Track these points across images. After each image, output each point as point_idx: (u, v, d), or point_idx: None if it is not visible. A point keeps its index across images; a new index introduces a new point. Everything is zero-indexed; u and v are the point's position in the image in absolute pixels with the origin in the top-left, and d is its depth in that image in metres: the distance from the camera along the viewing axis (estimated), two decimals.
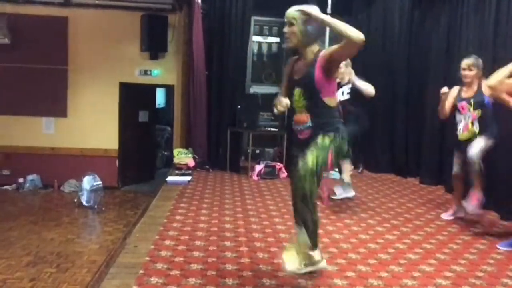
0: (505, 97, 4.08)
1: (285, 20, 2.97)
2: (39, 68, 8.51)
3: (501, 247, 4.04)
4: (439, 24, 6.84)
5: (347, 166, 5.48)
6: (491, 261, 3.72)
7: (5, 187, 8.54)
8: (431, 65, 6.88)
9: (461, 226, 4.72)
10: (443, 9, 6.79)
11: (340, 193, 5.52)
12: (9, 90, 8.49)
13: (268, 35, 8.56)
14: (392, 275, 3.34)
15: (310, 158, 2.81)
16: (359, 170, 7.54)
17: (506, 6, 5.23)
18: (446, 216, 5.02)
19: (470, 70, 4.53)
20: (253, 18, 7.75)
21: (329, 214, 4.99)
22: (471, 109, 4.50)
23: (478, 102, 4.47)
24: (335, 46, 2.83)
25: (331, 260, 3.58)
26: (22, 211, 7.34)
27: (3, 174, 8.62)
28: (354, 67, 7.72)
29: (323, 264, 3.16)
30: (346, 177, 5.47)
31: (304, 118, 2.99)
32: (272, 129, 7.42)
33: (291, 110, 3.11)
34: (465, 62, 4.56)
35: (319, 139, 2.90)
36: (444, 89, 4.75)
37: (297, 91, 3.00)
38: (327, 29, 3.34)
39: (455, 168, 4.82)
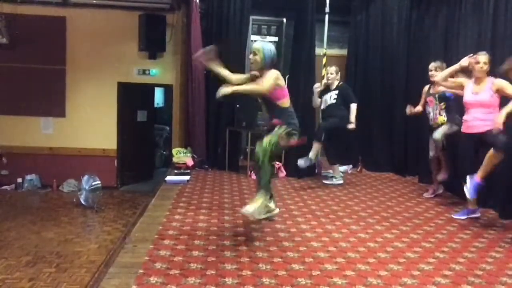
0: (453, 90, 5.17)
1: (251, 50, 4.19)
2: (37, 68, 8.51)
3: (456, 216, 4.95)
4: (437, 24, 6.85)
5: (315, 146, 6.18)
6: (490, 260, 3.72)
7: (3, 187, 8.54)
8: (430, 65, 6.88)
9: (460, 224, 4.73)
10: (441, 10, 6.80)
11: (300, 163, 6.13)
12: (7, 90, 8.48)
13: (266, 35, 8.54)
14: (391, 274, 3.34)
15: (265, 139, 3.94)
16: (358, 169, 7.55)
17: (504, 6, 5.24)
18: (428, 194, 5.94)
19: (436, 71, 5.46)
20: (251, 17, 7.74)
21: (328, 213, 5.00)
22: (437, 102, 5.50)
23: (441, 96, 5.46)
24: (256, 84, 4.15)
25: (330, 259, 3.59)
26: (21, 211, 7.33)
27: (1, 174, 8.62)
28: (354, 67, 7.78)
29: (276, 212, 4.36)
30: (312, 155, 6.14)
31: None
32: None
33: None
34: (432, 65, 5.59)
35: (276, 128, 4.07)
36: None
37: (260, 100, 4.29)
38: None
39: (431, 153, 5.74)
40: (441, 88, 5.35)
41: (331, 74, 6.41)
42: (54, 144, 8.64)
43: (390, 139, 7.61)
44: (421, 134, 7.06)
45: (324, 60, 7.21)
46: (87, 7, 8.49)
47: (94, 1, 8.39)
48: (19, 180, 8.58)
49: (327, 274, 3.27)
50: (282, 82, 4.16)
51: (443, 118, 5.47)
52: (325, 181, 6.55)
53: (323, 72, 7.21)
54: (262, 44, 4.19)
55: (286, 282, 3.10)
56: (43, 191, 8.56)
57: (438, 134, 5.28)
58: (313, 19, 7.17)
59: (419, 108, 5.87)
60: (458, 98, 5.07)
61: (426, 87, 5.79)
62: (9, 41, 8.25)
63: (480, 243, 4.16)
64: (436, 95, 5.52)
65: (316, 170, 6.99)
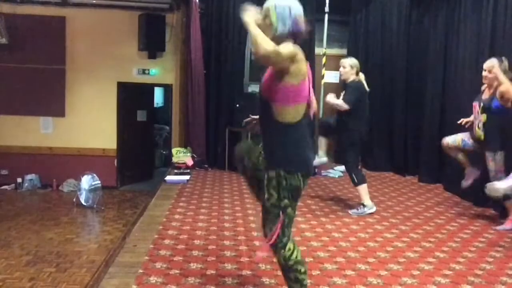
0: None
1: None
2: (37, 68, 8.50)
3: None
4: (437, 23, 6.85)
5: (322, 141, 5.33)
6: (490, 260, 3.72)
7: (3, 187, 8.53)
8: (429, 64, 6.90)
9: (460, 224, 4.73)
10: (441, 9, 6.80)
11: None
12: (7, 90, 8.47)
13: None
14: (391, 273, 3.34)
15: (268, 233, 2.50)
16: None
17: (504, 6, 5.23)
18: (466, 183, 4.92)
19: (490, 72, 4.36)
20: None
21: (328, 212, 5.00)
22: (479, 111, 4.50)
23: (485, 106, 4.41)
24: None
25: (330, 258, 3.59)
26: (21, 211, 7.33)
27: (1, 174, 8.62)
28: None
29: None
30: (321, 152, 5.28)
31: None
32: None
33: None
34: (487, 64, 4.42)
35: (265, 180, 2.46)
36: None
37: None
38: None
39: (450, 141, 4.83)
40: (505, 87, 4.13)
41: (343, 68, 5.14)
42: (54, 144, 8.63)
43: (390, 139, 7.60)
44: (421, 134, 7.08)
45: (324, 59, 7.21)
46: (87, 7, 8.48)
47: (94, 1, 8.38)
48: (19, 180, 8.58)
49: (327, 274, 3.28)
50: (298, 70, 2.41)
51: (480, 132, 4.48)
52: (351, 212, 5.09)
53: (323, 72, 7.22)
54: (275, 1, 2.50)
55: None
56: (43, 191, 8.55)
57: (494, 179, 4.20)
58: (313, 19, 7.17)
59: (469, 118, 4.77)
60: (508, 112, 4.28)
61: (483, 87, 4.68)
62: (8, 41, 8.24)
63: (480, 242, 4.16)
64: (482, 103, 4.48)
65: (316, 170, 6.99)
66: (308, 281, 2.60)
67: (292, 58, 2.37)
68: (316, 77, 7.17)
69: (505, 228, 4.51)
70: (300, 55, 2.42)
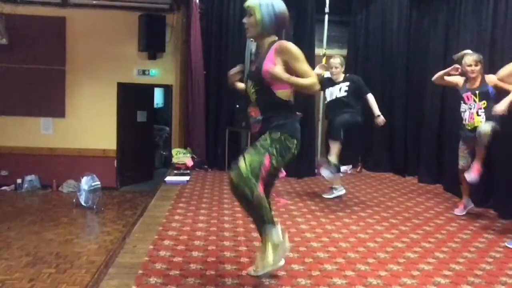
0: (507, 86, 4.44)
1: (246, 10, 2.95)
2: (37, 69, 8.50)
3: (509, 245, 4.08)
4: (437, 24, 6.86)
5: (334, 147, 5.30)
6: (490, 260, 3.72)
7: (3, 187, 8.54)
8: (429, 65, 6.89)
9: (460, 224, 4.73)
10: (441, 9, 6.81)
11: (327, 175, 5.34)
12: (7, 90, 8.48)
13: None
14: (391, 274, 3.34)
15: (242, 164, 2.72)
16: (358, 169, 7.55)
17: (504, 6, 5.24)
18: (459, 211, 5.12)
19: (477, 65, 4.76)
20: None
21: (328, 213, 5.00)
22: (476, 100, 4.74)
23: (483, 93, 4.71)
24: (300, 68, 2.81)
25: (330, 259, 3.58)
26: (21, 211, 7.33)
27: (1, 174, 8.62)
28: (354, 67, 7.78)
29: (281, 263, 2.98)
30: (333, 158, 5.27)
31: (255, 111, 3.00)
32: None
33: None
34: (472, 58, 4.79)
35: (264, 136, 2.85)
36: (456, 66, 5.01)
37: (249, 84, 3.01)
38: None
39: (462, 162, 4.97)
40: (492, 78, 4.62)
41: (336, 68, 5.56)
42: (54, 144, 8.64)
43: (390, 139, 7.61)
44: (421, 134, 7.08)
45: (324, 60, 7.21)
46: (87, 7, 8.49)
47: (94, 2, 8.39)
48: (19, 180, 8.58)
49: (326, 274, 3.27)
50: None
51: (479, 119, 4.68)
52: (325, 195, 5.70)
53: (323, 72, 7.21)
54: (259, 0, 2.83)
55: (286, 282, 3.10)
56: (42, 192, 8.56)
57: (487, 126, 4.47)
58: (313, 19, 7.18)
59: (448, 79, 5.07)
60: (499, 97, 4.55)
61: (459, 79, 5.00)
62: (8, 41, 8.25)
63: (480, 243, 4.15)
64: (477, 92, 4.75)
65: (316, 170, 6.98)
66: (308, 281, 2.61)
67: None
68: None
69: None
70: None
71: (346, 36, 8.14)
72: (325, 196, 5.68)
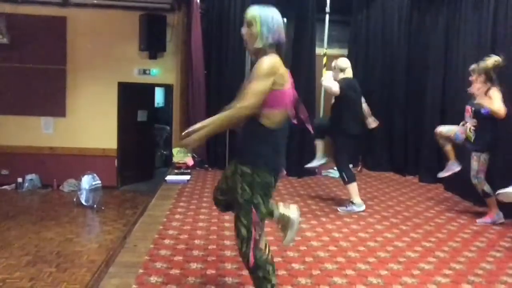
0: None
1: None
2: (37, 68, 8.50)
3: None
4: (438, 23, 6.86)
5: (318, 144, 5.35)
6: (491, 259, 3.73)
7: (4, 187, 8.53)
8: (430, 65, 6.90)
9: (461, 224, 4.74)
10: (442, 9, 6.81)
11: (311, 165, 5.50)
12: (7, 90, 8.47)
13: None
14: (391, 273, 3.34)
15: (241, 229, 2.52)
16: (358, 169, 7.55)
17: (504, 5, 5.24)
18: (441, 174, 5.25)
19: (471, 75, 4.69)
20: None
21: (328, 212, 5.00)
22: (472, 115, 4.70)
23: (476, 111, 4.62)
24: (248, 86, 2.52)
25: (331, 258, 3.59)
26: (21, 210, 7.33)
27: (2, 174, 8.62)
28: (354, 67, 7.75)
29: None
30: (319, 154, 5.35)
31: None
32: None
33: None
34: (472, 67, 4.70)
35: (238, 178, 2.53)
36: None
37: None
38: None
39: (443, 128, 5.04)
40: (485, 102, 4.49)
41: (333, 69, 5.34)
42: (55, 143, 8.64)
43: (390, 138, 7.60)
44: (421, 134, 7.08)
45: (325, 60, 7.21)
46: (88, 7, 8.48)
47: (95, 1, 8.39)
48: (20, 180, 8.57)
49: (327, 274, 3.28)
50: (281, 78, 2.52)
51: (470, 135, 4.70)
52: (339, 209, 5.19)
53: (324, 72, 7.21)
54: (260, 10, 2.61)
55: (286, 281, 3.11)
56: (43, 191, 8.55)
57: (473, 177, 4.67)
58: (314, 19, 7.18)
59: None
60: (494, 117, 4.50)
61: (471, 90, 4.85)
62: (9, 41, 8.25)
63: (480, 242, 4.16)
64: (473, 107, 4.68)
65: (316, 170, 6.99)
66: (309, 280, 2.61)
67: (269, 76, 2.45)
68: (316, 77, 7.22)
69: (485, 222, 4.76)
70: (276, 63, 2.50)
71: (347, 35, 8.15)
72: (340, 209, 5.13)
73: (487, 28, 5.53)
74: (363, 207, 5.07)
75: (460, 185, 5.15)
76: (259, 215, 2.50)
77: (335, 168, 6.73)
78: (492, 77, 4.56)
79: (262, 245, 2.56)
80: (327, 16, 7.27)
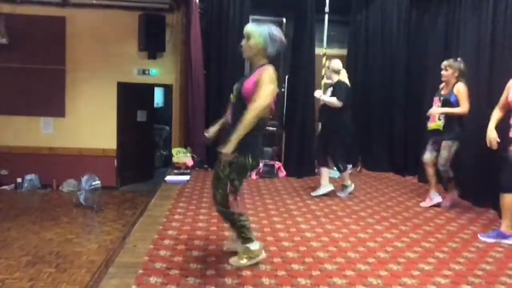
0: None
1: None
2: (37, 68, 8.50)
3: (482, 237, 4.27)
4: (437, 23, 6.86)
5: (323, 171, 5.79)
6: (490, 260, 3.73)
7: (3, 187, 8.53)
8: (429, 65, 6.89)
9: (460, 224, 4.74)
10: (441, 9, 6.81)
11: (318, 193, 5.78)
12: (7, 90, 8.48)
13: None
14: (391, 273, 3.34)
15: (217, 194, 3.25)
16: (358, 169, 7.55)
17: (504, 6, 5.24)
18: (424, 204, 5.43)
19: (446, 70, 5.06)
20: (251, 17, 7.72)
21: (328, 213, 5.00)
22: (440, 105, 5.09)
23: (446, 100, 5.03)
24: (258, 91, 3.03)
25: (330, 259, 3.59)
26: (21, 211, 7.33)
27: (1, 174, 8.62)
28: (354, 67, 7.77)
29: (262, 256, 3.41)
30: (325, 182, 5.78)
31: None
32: (270, 128, 7.41)
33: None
34: (445, 63, 5.11)
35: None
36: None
37: (235, 89, 3.25)
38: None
39: (425, 156, 5.32)
40: (459, 87, 4.96)
41: (327, 69, 5.93)
42: (54, 144, 8.64)
43: (389, 139, 7.61)
44: (420, 134, 7.06)
45: (324, 60, 7.21)
46: (87, 7, 8.48)
47: (94, 1, 8.38)
48: (19, 180, 8.58)
49: (327, 274, 3.28)
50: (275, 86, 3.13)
51: (440, 123, 5.05)
52: (339, 193, 5.84)
53: (323, 71, 7.22)
54: (256, 27, 3.21)
55: (286, 282, 3.10)
56: (42, 191, 8.56)
57: (441, 164, 5.06)
58: (313, 19, 7.18)
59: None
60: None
61: (442, 85, 5.25)
62: (8, 41, 8.25)
63: (480, 243, 4.16)
64: (442, 98, 5.08)
65: (316, 170, 6.98)
66: (308, 281, 2.61)
67: (273, 82, 3.06)
68: (316, 77, 7.23)
69: (445, 206, 5.28)
70: (274, 75, 3.10)
71: (346, 35, 8.15)
72: (340, 194, 5.82)
73: (486, 28, 5.53)
74: (352, 187, 5.82)
75: (459, 185, 5.15)
76: (233, 187, 3.21)
77: (335, 168, 6.78)
78: (465, 73, 5.04)
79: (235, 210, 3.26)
80: (326, 16, 7.27)
